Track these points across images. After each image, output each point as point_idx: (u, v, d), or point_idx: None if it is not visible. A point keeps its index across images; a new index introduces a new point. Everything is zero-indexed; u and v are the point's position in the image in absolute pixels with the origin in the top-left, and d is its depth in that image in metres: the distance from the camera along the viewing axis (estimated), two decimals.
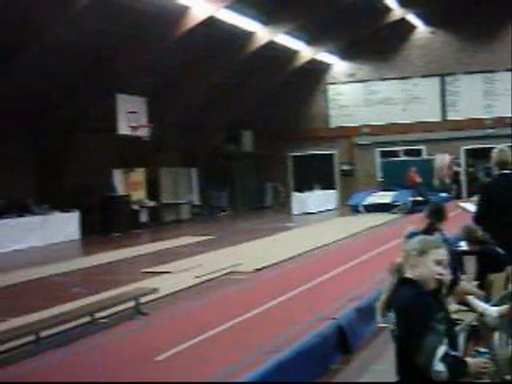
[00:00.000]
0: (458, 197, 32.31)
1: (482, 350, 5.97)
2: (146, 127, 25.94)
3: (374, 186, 34.06)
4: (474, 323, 6.35)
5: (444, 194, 31.64)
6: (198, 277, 14.28)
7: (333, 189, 36.32)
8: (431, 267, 4.35)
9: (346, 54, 36.55)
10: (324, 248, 18.49)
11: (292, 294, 11.57)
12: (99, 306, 10.51)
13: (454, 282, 6.56)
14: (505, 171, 8.74)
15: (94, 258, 18.67)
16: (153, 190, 29.58)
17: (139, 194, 28.73)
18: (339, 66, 37.36)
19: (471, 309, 6.36)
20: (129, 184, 28.23)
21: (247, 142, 36.48)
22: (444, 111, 35.86)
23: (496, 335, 6.19)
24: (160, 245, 21.35)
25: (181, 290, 12.97)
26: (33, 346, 8.94)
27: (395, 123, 36.10)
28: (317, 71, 36.67)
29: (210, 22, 24.87)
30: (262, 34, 28.55)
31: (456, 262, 7.44)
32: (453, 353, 4.17)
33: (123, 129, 24.88)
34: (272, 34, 28.85)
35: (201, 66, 28.55)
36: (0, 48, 20.12)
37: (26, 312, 11.18)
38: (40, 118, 23.94)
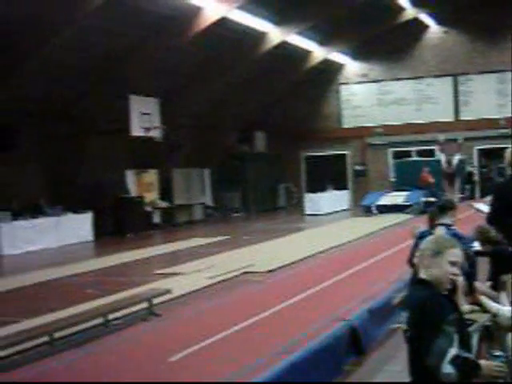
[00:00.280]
0: (472, 197, 32.19)
1: (498, 353, 5.95)
2: (158, 128, 25.97)
3: (387, 186, 34.01)
4: (488, 324, 6.33)
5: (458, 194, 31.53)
6: (211, 278, 14.29)
7: (345, 189, 36.28)
8: (446, 268, 4.33)
9: (359, 54, 36.49)
10: (337, 249, 18.47)
11: (305, 294, 11.56)
12: (112, 308, 10.53)
13: (471, 280, 6.56)
14: None
15: (107, 260, 18.70)
16: (166, 191, 29.61)
17: (152, 195, 28.77)
18: (352, 66, 37.30)
19: (484, 309, 6.34)
20: (142, 185, 28.28)
21: (260, 143, 36.47)
22: (457, 111, 35.76)
23: (509, 336, 6.17)
24: (173, 246, 21.37)
25: (194, 291, 12.98)
26: (47, 347, 8.97)
27: (408, 123, 36.01)
28: (329, 71, 36.64)
29: (223, 23, 24.88)
30: (274, 34, 28.55)
31: (470, 262, 7.43)
32: (465, 354, 4.15)
33: (136, 130, 24.92)
34: (284, 34, 28.84)
35: (213, 66, 28.57)
36: (13, 49, 20.20)
37: (40, 313, 11.22)
38: (53, 120, 24.00)
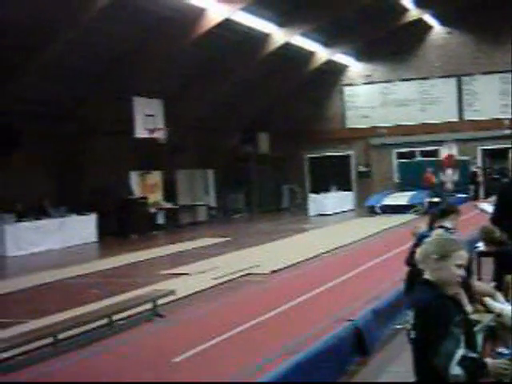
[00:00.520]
0: (476, 197, 32.17)
1: (502, 349, 5.95)
2: (162, 130, 25.98)
3: (391, 186, 34.02)
4: (492, 324, 6.32)
5: (462, 195, 31.56)
6: (215, 279, 14.29)
7: (349, 190, 36.29)
8: (453, 271, 4.32)
9: (363, 55, 36.47)
10: (341, 249, 18.46)
11: (309, 295, 11.56)
12: (117, 308, 10.53)
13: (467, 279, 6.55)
14: None
15: (112, 261, 18.71)
16: (169, 192, 29.62)
17: (156, 196, 28.78)
18: (355, 67, 37.29)
19: (489, 309, 6.34)
20: (146, 186, 28.29)
21: (264, 144, 36.46)
22: (461, 112, 35.71)
23: None
24: (177, 247, 21.38)
25: (198, 292, 12.99)
26: (51, 348, 8.97)
27: (412, 124, 35.99)
28: (333, 72, 36.63)
29: (226, 24, 24.90)
30: (278, 35, 28.55)
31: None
32: (471, 354, 4.15)
33: (140, 131, 24.96)
34: (288, 35, 28.84)
35: (217, 68, 28.59)
36: (17, 50, 20.24)
37: (45, 314, 11.23)
38: (57, 121, 24.03)
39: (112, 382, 7.39)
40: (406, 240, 16.61)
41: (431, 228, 7.96)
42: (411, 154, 36.04)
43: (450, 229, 7.85)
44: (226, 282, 14.05)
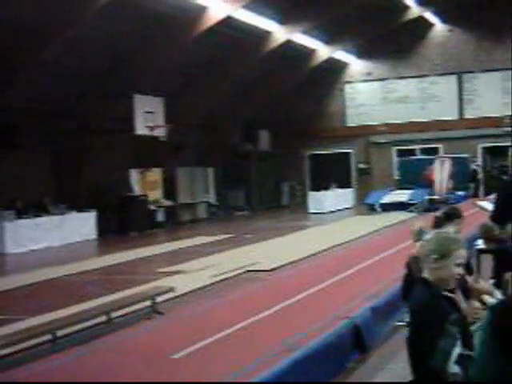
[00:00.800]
0: (476, 195, 32.14)
1: None
2: (162, 127, 25.98)
3: (391, 184, 34.01)
4: None
5: (462, 193, 31.55)
6: (214, 276, 14.30)
7: (349, 187, 36.31)
8: (452, 270, 4.32)
9: (363, 52, 36.47)
10: (340, 247, 18.47)
11: (308, 292, 11.55)
12: (116, 306, 10.54)
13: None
14: None
15: (111, 258, 18.72)
16: (169, 190, 29.62)
17: (156, 194, 28.78)
18: (356, 65, 37.29)
19: (485, 307, 6.32)
20: (145, 184, 28.29)
21: (264, 142, 36.48)
22: (461, 109, 35.72)
23: None
24: (176, 244, 21.39)
25: (197, 289, 13.00)
26: (49, 346, 8.98)
27: (412, 122, 36.00)
28: (334, 70, 36.65)
29: (228, 22, 24.90)
30: (279, 33, 28.54)
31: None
32: (468, 352, 4.14)
33: (140, 129, 24.95)
34: (289, 33, 28.83)
35: (218, 65, 28.59)
36: (17, 49, 20.23)
37: (43, 311, 11.23)
38: (57, 118, 24.03)
39: (110, 382, 7.38)
40: (405, 238, 16.62)
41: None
42: (411, 152, 36.02)
43: None
44: (225, 279, 14.06)
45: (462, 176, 32.99)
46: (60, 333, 9.19)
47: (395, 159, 36.43)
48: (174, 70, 27.09)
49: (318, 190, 33.38)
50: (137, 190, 27.67)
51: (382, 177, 36.28)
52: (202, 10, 23.83)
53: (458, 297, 5.85)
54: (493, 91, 34.83)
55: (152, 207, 27.89)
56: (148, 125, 25.23)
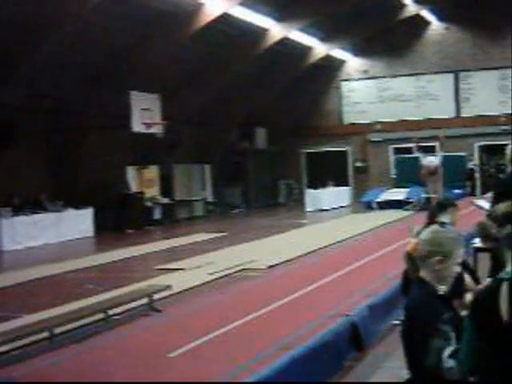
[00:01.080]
0: (472, 194, 32.17)
1: None
2: (159, 124, 25.97)
3: (388, 182, 34.03)
4: None
5: (458, 191, 31.54)
6: (211, 274, 14.30)
7: (346, 185, 36.28)
8: (452, 269, 4.32)
9: (360, 50, 36.46)
10: (337, 245, 18.48)
11: (305, 290, 11.56)
12: (113, 303, 10.54)
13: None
14: None
15: (108, 255, 18.71)
16: (166, 187, 29.61)
17: (153, 191, 28.76)
18: (353, 63, 37.29)
19: None
20: (142, 181, 28.27)
21: (261, 139, 36.48)
22: (458, 108, 35.74)
23: None
24: (173, 242, 21.37)
25: (194, 287, 12.99)
26: (47, 343, 8.97)
27: (408, 120, 36.00)
28: (330, 68, 36.64)
29: (224, 19, 24.87)
30: (275, 30, 28.52)
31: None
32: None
33: (137, 126, 24.92)
34: (286, 30, 28.82)
35: (214, 62, 28.55)
36: (14, 45, 20.19)
37: (40, 309, 11.23)
38: (54, 115, 24.00)
39: (108, 382, 7.38)
40: (402, 236, 16.64)
41: (430, 225, 7.74)
42: (408, 150, 36.00)
43: (446, 223, 7.66)
44: (222, 277, 14.05)
45: (459, 174, 33.00)
46: (57, 330, 9.19)
47: (392, 157, 36.43)
48: (170, 67, 27.06)
49: (314, 188, 33.37)
50: (133, 187, 27.65)
51: (378, 175, 36.30)
52: (198, 6, 23.82)
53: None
54: (489, 89, 34.86)
55: (149, 204, 27.88)
56: (145, 122, 25.21)
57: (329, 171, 35.86)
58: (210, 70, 28.88)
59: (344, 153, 37.63)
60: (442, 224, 7.61)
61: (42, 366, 7.97)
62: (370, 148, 37.00)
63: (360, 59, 37.09)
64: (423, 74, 36.03)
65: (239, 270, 14.72)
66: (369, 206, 30.54)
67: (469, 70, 35.29)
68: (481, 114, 34.85)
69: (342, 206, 33.29)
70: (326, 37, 33.03)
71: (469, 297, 6.41)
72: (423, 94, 36.12)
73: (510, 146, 8.85)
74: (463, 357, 3.86)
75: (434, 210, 7.92)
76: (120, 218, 26.06)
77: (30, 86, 22.41)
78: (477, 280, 7.24)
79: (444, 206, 7.89)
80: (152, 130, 25.65)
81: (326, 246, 18.07)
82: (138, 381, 7.25)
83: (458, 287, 6.25)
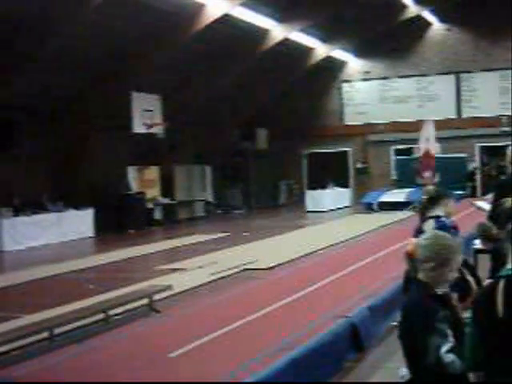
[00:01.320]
0: (473, 195, 32.15)
1: None
2: (160, 125, 25.97)
3: (389, 183, 34.02)
4: None
5: (459, 192, 31.52)
6: (212, 274, 14.29)
7: (347, 187, 36.27)
8: (448, 275, 4.34)
9: (361, 51, 36.44)
10: (338, 246, 18.47)
11: (306, 291, 11.56)
12: (113, 303, 10.54)
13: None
14: None
15: (109, 256, 18.70)
16: (167, 188, 29.62)
17: (153, 192, 28.77)
18: (354, 64, 37.27)
19: None
20: (143, 181, 28.28)
21: (262, 140, 36.46)
22: (459, 109, 35.72)
23: None
24: (174, 242, 21.36)
25: (195, 288, 12.99)
26: (47, 343, 8.97)
27: (410, 121, 35.96)
28: (332, 69, 36.62)
29: (225, 20, 24.86)
30: (276, 31, 28.52)
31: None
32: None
33: (138, 127, 24.94)
34: (287, 31, 28.82)
35: (215, 63, 28.54)
36: (14, 47, 20.19)
37: (41, 309, 11.22)
38: (55, 116, 23.99)
39: (109, 382, 7.38)
40: (402, 237, 16.64)
41: (423, 221, 7.54)
42: (409, 151, 35.99)
43: (439, 217, 7.47)
44: (223, 277, 14.05)
45: (460, 175, 33.00)
46: (57, 330, 9.19)
47: (393, 158, 36.42)
48: (171, 68, 27.05)
49: (315, 189, 33.37)
50: (134, 187, 27.66)
51: (379, 176, 36.27)
52: (199, 7, 23.82)
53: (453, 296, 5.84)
54: (491, 91, 34.83)
55: (149, 205, 27.89)
56: (146, 122, 25.22)
57: (329, 172, 35.83)
58: (211, 71, 28.86)
59: (345, 154, 37.62)
60: (438, 218, 7.48)
61: (42, 367, 7.97)
62: (371, 149, 36.98)
63: (361, 60, 37.09)
64: (424, 75, 36.01)
65: (240, 271, 14.73)
66: (369, 207, 30.53)
67: (470, 72, 35.27)
68: (482, 115, 34.83)
69: (342, 207, 33.29)
70: (327, 38, 33.03)
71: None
72: (425, 95, 36.09)
73: (510, 148, 8.85)
74: (466, 353, 3.88)
75: (425, 204, 7.67)
76: (121, 219, 26.06)
77: (31, 87, 22.41)
78: (478, 281, 7.24)
79: (435, 198, 7.64)
80: (153, 131, 25.67)
81: (326, 247, 18.06)
82: (138, 381, 7.25)
83: (463, 290, 6.25)
